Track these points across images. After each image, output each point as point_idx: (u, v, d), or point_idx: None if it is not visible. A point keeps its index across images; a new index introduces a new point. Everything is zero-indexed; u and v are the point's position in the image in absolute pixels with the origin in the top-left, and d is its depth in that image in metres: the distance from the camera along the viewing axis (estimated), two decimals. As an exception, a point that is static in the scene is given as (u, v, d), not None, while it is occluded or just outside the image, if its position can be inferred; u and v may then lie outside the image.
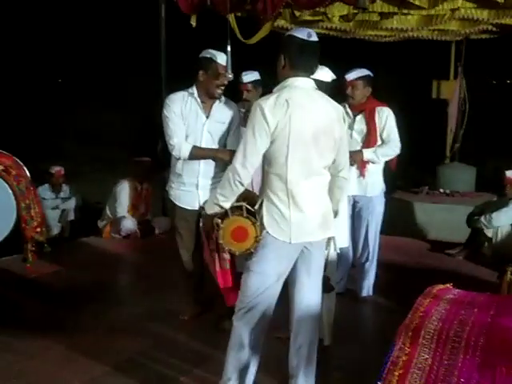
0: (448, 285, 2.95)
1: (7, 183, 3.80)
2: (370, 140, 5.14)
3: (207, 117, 4.44)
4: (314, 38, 3.22)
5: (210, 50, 4.43)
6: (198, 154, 4.38)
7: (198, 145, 4.41)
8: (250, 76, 5.50)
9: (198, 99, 4.43)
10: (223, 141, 4.48)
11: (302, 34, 3.21)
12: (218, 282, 3.86)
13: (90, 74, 19.13)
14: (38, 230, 4.31)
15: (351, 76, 5.11)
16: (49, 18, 18.03)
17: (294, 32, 3.26)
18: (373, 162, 5.15)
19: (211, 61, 4.37)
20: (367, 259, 5.39)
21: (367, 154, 5.09)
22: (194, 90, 4.45)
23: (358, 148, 5.10)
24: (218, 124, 4.46)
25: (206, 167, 4.44)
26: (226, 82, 4.46)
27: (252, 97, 5.46)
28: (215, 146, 4.45)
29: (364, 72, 5.17)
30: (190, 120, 4.41)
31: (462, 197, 8.58)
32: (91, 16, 18.10)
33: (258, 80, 5.54)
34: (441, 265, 6.56)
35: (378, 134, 5.18)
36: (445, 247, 7.14)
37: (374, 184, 5.24)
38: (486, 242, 6.81)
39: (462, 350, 2.32)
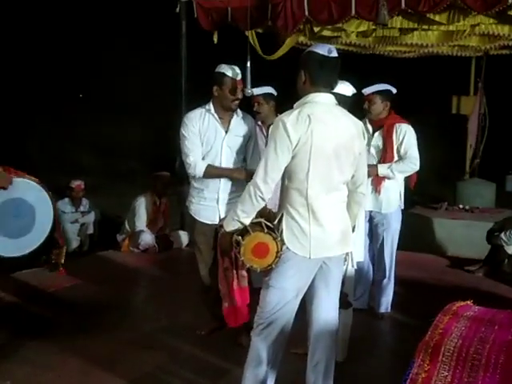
0: (468, 302, 2.91)
1: (47, 193, 3.88)
2: (385, 156, 5.12)
3: (226, 131, 4.46)
4: (335, 54, 3.24)
5: (223, 65, 4.46)
6: (212, 173, 4.41)
7: (218, 159, 4.43)
8: (261, 89, 5.51)
9: (216, 115, 4.45)
10: (242, 155, 4.49)
11: (322, 50, 3.22)
12: (234, 300, 3.84)
13: (110, 88, 19.29)
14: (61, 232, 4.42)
15: (368, 90, 5.09)
16: (70, 33, 18.24)
17: (314, 48, 3.28)
18: (388, 178, 5.11)
19: (223, 75, 4.39)
20: (384, 276, 5.34)
21: (382, 169, 5.06)
22: (211, 105, 4.47)
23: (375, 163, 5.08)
24: (236, 138, 4.48)
25: (227, 182, 4.45)
26: (240, 96, 4.49)
27: (263, 110, 5.51)
28: (234, 159, 4.46)
29: (382, 87, 5.13)
30: (209, 136, 4.44)
31: (482, 213, 8.51)
32: (113, 31, 18.28)
33: (270, 94, 5.55)
34: (460, 281, 6.51)
35: (394, 150, 5.13)
36: (464, 264, 7.08)
37: (389, 200, 5.19)
38: (506, 258, 6.74)
39: (482, 368, 2.30)
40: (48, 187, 4.13)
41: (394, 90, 5.20)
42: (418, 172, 5.28)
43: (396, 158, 5.14)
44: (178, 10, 7.34)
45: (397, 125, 5.15)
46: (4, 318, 5.00)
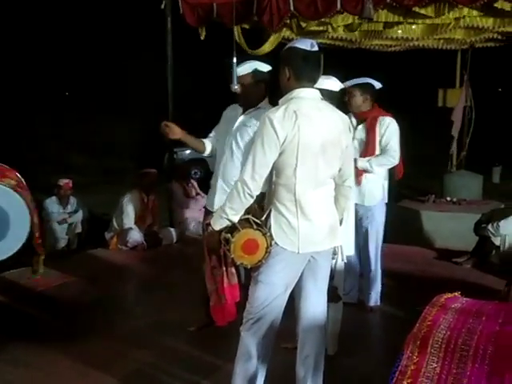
0: (456, 293, 2.93)
1: (23, 198, 3.77)
2: (367, 149, 5.14)
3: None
4: (317, 48, 3.24)
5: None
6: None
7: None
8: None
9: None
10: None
11: (304, 45, 3.22)
12: (223, 298, 3.83)
13: (96, 86, 19.23)
14: (40, 241, 4.30)
15: (348, 83, 5.07)
16: (56, 32, 18.16)
17: (296, 44, 3.26)
18: (366, 172, 5.13)
19: None
20: (370, 269, 5.37)
21: (361, 162, 5.05)
22: None
23: (358, 156, 5.09)
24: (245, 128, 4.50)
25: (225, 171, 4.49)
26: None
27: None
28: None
29: (362, 80, 5.14)
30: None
31: (469, 205, 8.55)
32: (97, 29, 18.21)
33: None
34: (448, 273, 6.54)
35: (376, 143, 5.16)
36: (452, 255, 7.12)
37: (371, 193, 5.20)
38: (493, 250, 6.78)
39: (470, 359, 2.31)
40: (35, 186, 4.09)
41: (377, 84, 5.20)
42: (404, 163, 5.30)
43: (378, 151, 5.16)
44: (163, 6, 7.31)
45: (380, 118, 5.18)
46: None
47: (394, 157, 5.12)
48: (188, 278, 5.54)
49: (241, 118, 4.52)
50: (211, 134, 4.75)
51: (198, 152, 4.79)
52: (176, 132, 4.57)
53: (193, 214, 8.72)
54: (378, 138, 5.16)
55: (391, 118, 5.21)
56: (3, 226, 3.72)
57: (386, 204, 5.38)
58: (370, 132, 5.16)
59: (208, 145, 4.72)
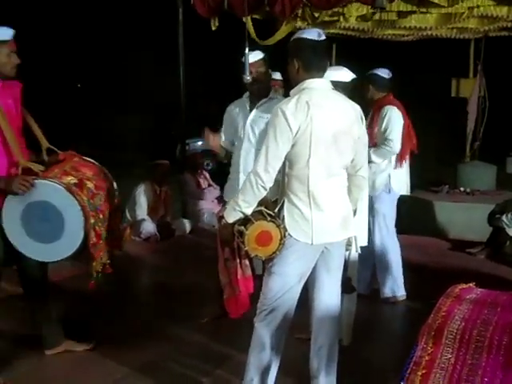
0: (470, 284, 2.91)
1: (77, 198, 3.65)
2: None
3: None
4: (324, 37, 3.22)
5: None
6: None
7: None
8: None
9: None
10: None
11: (311, 35, 3.20)
12: (237, 289, 3.83)
13: (108, 78, 19.27)
14: (117, 243, 4.21)
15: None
16: (68, 23, 18.19)
17: (302, 34, 3.24)
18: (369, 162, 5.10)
19: None
20: (378, 260, 5.35)
21: None
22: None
23: None
24: (261, 119, 4.53)
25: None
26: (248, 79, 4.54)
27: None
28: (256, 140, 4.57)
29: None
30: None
31: (483, 195, 8.51)
32: (110, 21, 18.23)
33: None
34: (462, 264, 6.52)
35: (374, 132, 5.15)
36: (466, 246, 7.10)
37: (374, 183, 5.16)
38: (507, 240, 6.76)
39: (485, 350, 2.30)
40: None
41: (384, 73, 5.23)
42: (417, 154, 5.27)
43: (379, 140, 5.15)
44: (174, -3, 7.31)
45: (385, 107, 5.18)
46: (8, 309, 5.01)
47: (390, 146, 5.10)
48: (201, 269, 5.54)
49: (254, 111, 4.54)
50: (223, 139, 4.78)
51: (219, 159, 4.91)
52: (213, 142, 4.69)
53: (205, 205, 8.73)
54: (377, 128, 5.17)
55: (392, 107, 5.18)
56: (58, 226, 3.65)
57: (400, 195, 5.35)
58: (371, 121, 5.19)
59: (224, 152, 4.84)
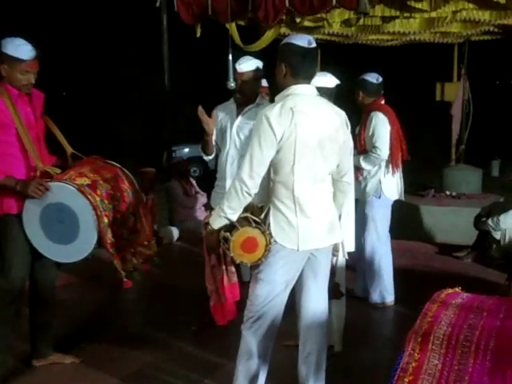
0: (456, 289, 2.92)
1: (89, 199, 3.68)
2: (356, 145, 5.11)
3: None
4: (314, 45, 3.22)
5: None
6: None
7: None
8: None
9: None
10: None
11: (302, 41, 3.19)
12: (223, 296, 3.81)
13: (93, 85, 19.21)
14: (146, 243, 4.25)
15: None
16: (50, 30, 18.11)
17: (293, 40, 3.23)
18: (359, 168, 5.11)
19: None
20: (367, 266, 5.36)
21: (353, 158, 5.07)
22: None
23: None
24: (247, 125, 4.51)
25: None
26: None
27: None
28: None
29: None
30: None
31: (469, 199, 8.53)
32: (93, 28, 18.18)
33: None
34: (449, 268, 6.55)
35: (362, 138, 5.19)
36: (452, 250, 7.12)
37: (365, 189, 5.20)
38: (493, 244, 6.78)
39: (472, 355, 2.30)
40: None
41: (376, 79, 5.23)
42: (402, 157, 5.30)
43: (368, 146, 5.18)
44: (158, 4, 7.29)
45: (371, 113, 5.21)
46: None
47: (378, 153, 5.11)
48: (189, 277, 5.53)
49: (240, 117, 4.53)
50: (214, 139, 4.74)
51: (205, 153, 4.75)
52: (210, 125, 4.50)
53: (192, 213, 8.70)
54: (364, 133, 5.20)
55: (377, 112, 5.20)
56: (74, 226, 3.71)
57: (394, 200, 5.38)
58: (361, 126, 5.22)
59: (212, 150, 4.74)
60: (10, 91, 3.74)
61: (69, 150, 4.10)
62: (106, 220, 3.73)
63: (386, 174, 5.24)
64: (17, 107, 3.73)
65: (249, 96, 4.53)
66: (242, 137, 4.51)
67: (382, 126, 5.14)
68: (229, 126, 4.59)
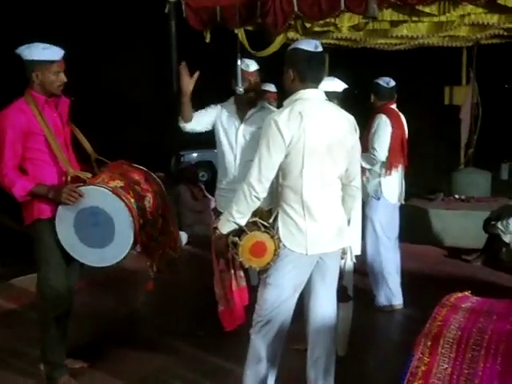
0: (466, 292, 2.91)
1: (123, 200, 3.69)
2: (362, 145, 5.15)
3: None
4: (321, 49, 3.23)
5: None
6: None
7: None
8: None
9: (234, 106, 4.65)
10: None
11: (309, 46, 3.20)
12: (232, 301, 3.81)
13: (102, 90, 19.24)
14: (173, 245, 4.27)
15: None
16: (56, 35, 18.17)
17: (299, 45, 3.25)
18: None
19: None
20: (371, 269, 5.36)
21: None
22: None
23: None
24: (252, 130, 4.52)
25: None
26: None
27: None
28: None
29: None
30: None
31: (478, 202, 8.51)
32: (101, 33, 18.22)
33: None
34: (458, 271, 6.53)
35: (367, 140, 5.19)
36: (462, 253, 7.10)
37: (365, 189, 5.17)
38: (503, 247, 6.76)
39: (482, 359, 2.29)
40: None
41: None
42: (410, 162, 5.30)
43: (367, 145, 5.18)
44: (166, 10, 7.30)
45: (377, 115, 5.26)
46: (3, 326, 4.99)
47: (374, 154, 5.15)
48: (197, 281, 5.53)
49: (245, 122, 4.53)
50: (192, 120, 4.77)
51: (182, 118, 4.75)
52: (186, 85, 4.59)
53: (201, 217, 8.71)
54: (368, 133, 5.23)
55: (381, 115, 5.24)
56: (109, 229, 3.70)
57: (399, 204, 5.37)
58: (367, 128, 5.25)
59: (193, 119, 4.72)
60: (37, 98, 3.75)
61: (93, 155, 4.11)
62: (140, 221, 3.75)
63: (386, 176, 5.25)
64: (44, 114, 3.74)
65: (259, 94, 4.63)
66: (248, 142, 4.50)
67: (382, 128, 5.19)
68: (231, 129, 4.59)
